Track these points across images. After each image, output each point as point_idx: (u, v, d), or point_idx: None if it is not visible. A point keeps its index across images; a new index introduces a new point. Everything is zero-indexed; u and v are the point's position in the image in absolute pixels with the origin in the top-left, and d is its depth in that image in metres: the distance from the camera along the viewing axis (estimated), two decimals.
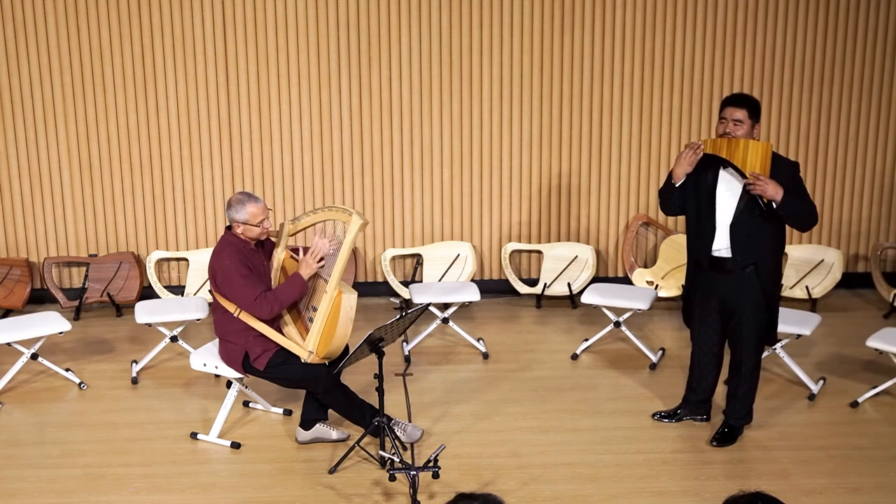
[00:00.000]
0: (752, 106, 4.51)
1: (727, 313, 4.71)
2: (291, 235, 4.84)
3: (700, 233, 4.65)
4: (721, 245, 4.59)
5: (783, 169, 4.50)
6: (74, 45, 6.60)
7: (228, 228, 4.67)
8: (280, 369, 4.65)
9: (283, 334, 4.66)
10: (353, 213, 4.59)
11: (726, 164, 4.52)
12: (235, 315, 4.62)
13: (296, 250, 4.90)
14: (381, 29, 6.68)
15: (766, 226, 4.51)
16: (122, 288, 6.84)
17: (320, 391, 4.64)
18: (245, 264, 4.59)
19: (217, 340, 4.83)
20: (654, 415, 5.08)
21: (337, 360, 4.68)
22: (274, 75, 6.72)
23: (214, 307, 4.74)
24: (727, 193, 4.56)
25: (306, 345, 4.58)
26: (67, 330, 5.46)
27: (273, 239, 4.87)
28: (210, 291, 4.72)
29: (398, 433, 4.74)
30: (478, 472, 4.50)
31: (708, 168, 4.59)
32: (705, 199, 4.60)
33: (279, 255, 4.79)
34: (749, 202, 4.49)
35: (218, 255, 4.62)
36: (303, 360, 4.59)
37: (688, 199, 4.69)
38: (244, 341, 4.64)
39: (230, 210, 4.61)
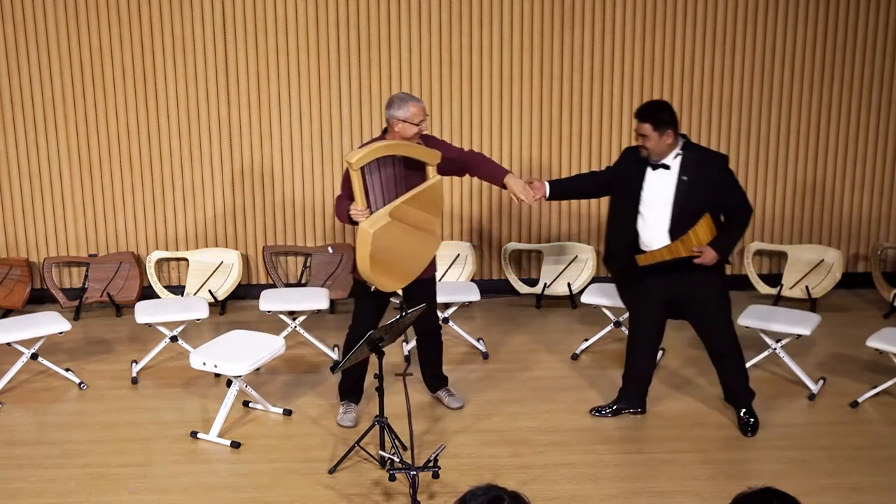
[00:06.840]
0: (655, 119, 4.58)
1: (678, 306, 4.83)
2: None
3: (620, 225, 4.80)
4: (663, 243, 4.69)
5: (711, 165, 4.64)
6: (74, 44, 6.60)
7: (384, 132, 4.68)
8: (356, 293, 4.91)
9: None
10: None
11: (665, 167, 4.66)
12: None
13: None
14: (381, 29, 6.68)
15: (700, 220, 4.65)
16: (122, 288, 6.84)
17: (351, 332, 4.83)
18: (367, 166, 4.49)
19: (216, 339, 4.86)
20: (591, 410, 5.10)
21: (344, 354, 4.72)
22: (274, 75, 6.72)
23: None
24: (656, 198, 4.68)
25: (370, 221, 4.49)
26: (67, 330, 5.46)
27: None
28: None
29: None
30: (478, 472, 4.50)
31: (635, 168, 4.72)
32: (630, 199, 4.73)
33: (433, 178, 4.67)
34: (684, 206, 4.60)
35: None
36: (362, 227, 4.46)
37: (614, 191, 4.86)
38: None
39: (391, 108, 4.59)
